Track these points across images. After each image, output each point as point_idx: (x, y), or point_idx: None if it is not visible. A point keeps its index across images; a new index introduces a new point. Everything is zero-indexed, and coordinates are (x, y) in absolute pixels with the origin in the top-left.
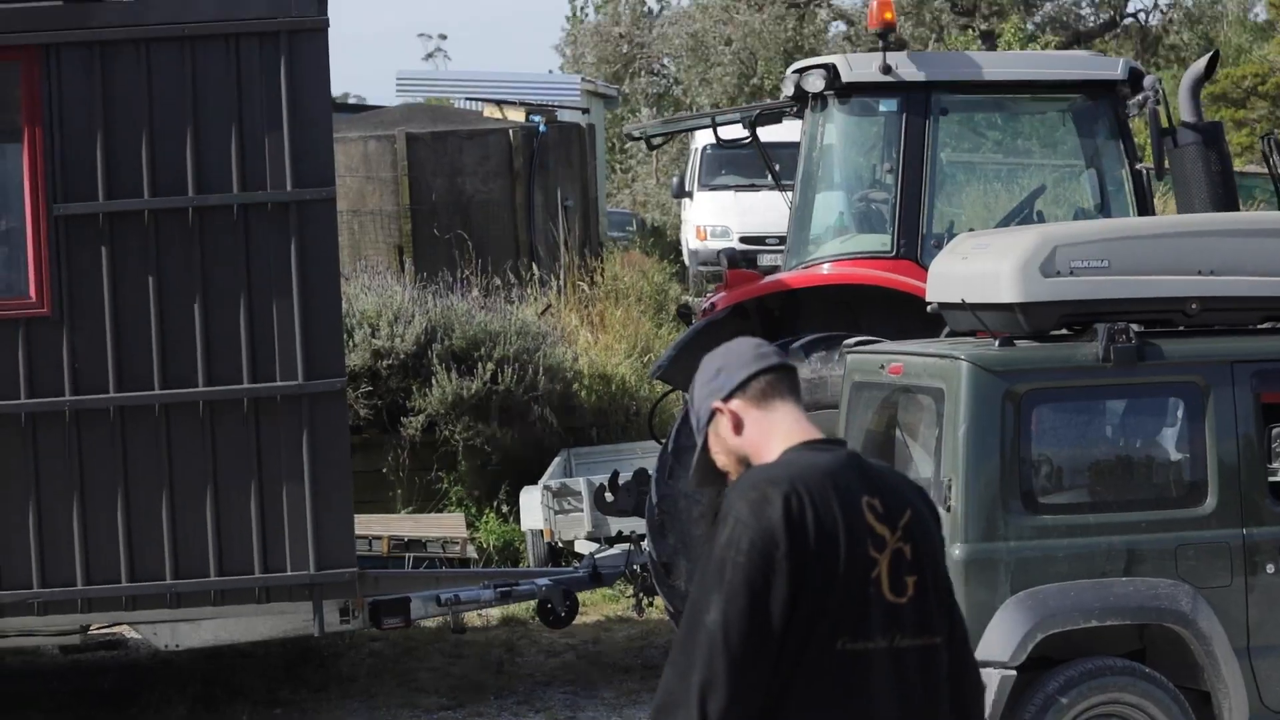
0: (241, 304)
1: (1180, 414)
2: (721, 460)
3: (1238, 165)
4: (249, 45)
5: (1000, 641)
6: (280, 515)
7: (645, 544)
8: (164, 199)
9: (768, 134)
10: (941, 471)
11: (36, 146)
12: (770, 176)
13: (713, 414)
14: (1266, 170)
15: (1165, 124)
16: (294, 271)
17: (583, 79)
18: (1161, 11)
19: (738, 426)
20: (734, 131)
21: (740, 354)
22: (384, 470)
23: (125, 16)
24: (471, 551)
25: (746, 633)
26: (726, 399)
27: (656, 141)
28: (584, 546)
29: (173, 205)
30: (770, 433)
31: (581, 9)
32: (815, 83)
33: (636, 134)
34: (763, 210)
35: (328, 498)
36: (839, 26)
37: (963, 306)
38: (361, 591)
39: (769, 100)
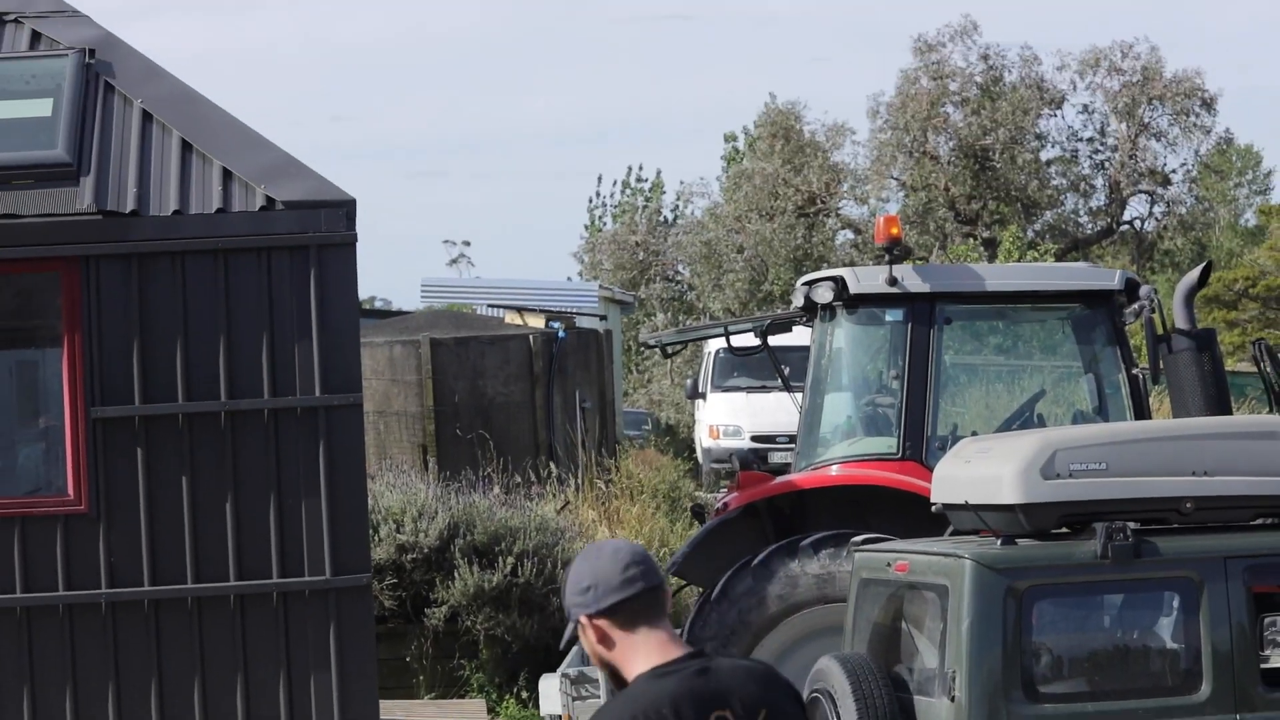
0: (271, 502)
1: (1176, 607)
2: (595, 661)
3: (1230, 364)
4: (280, 258)
5: None
6: (308, 703)
7: None
8: (197, 403)
9: (778, 339)
10: (946, 663)
11: (76, 352)
12: (780, 381)
13: (583, 623)
14: (1257, 372)
15: (1160, 331)
16: (322, 472)
17: (600, 286)
18: (1156, 219)
19: (603, 641)
20: (746, 339)
21: (610, 575)
22: (408, 658)
23: (161, 230)
24: None
25: None
26: (592, 616)
27: (671, 350)
28: None
29: (205, 409)
30: (633, 655)
31: (600, 218)
32: (824, 294)
33: (652, 343)
34: (773, 410)
35: (354, 685)
36: (847, 235)
37: (966, 507)
38: None
39: (779, 306)
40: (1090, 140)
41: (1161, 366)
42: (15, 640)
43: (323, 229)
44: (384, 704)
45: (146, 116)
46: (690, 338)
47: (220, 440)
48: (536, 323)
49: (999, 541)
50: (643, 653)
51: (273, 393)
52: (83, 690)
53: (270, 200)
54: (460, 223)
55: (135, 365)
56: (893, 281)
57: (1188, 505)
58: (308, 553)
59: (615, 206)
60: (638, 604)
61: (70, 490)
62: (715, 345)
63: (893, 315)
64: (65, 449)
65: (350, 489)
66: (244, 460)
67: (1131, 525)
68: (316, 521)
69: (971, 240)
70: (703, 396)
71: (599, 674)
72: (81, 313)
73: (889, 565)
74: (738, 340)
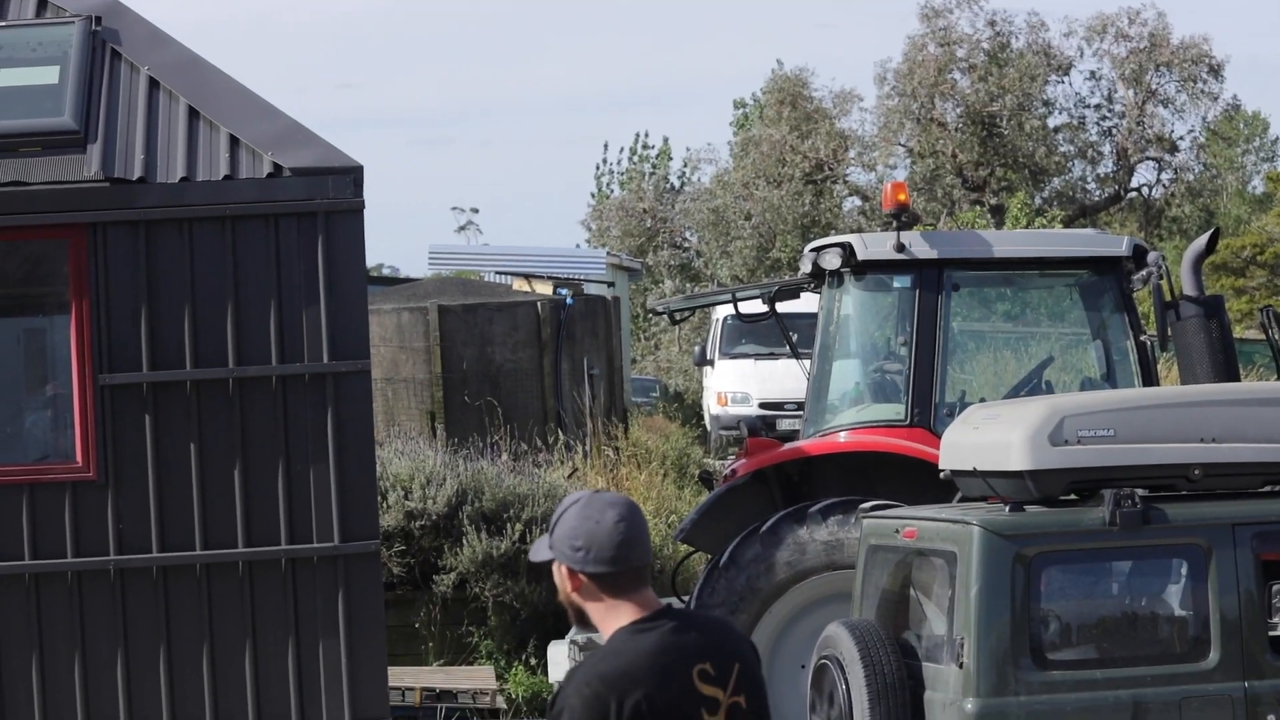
0: (280, 469)
1: (1184, 573)
2: (561, 594)
3: (1237, 332)
4: (288, 225)
5: None
6: (317, 668)
7: None
8: (205, 370)
9: (786, 306)
10: (954, 630)
11: (84, 319)
12: (788, 347)
13: (562, 565)
14: (1265, 339)
15: (1168, 297)
16: (330, 438)
17: (608, 253)
18: (1164, 186)
19: (578, 590)
20: (754, 306)
21: (604, 546)
22: (416, 625)
23: (169, 197)
24: (501, 702)
25: None
26: (579, 571)
27: (679, 317)
28: None
29: (213, 376)
30: (611, 612)
31: (607, 185)
32: (832, 261)
33: (660, 309)
34: (781, 377)
35: (363, 651)
36: (854, 201)
37: (974, 474)
38: None
39: (787, 273)
40: (1098, 107)
41: (1169, 333)
42: (24, 607)
43: (330, 195)
44: (393, 670)
45: (153, 83)
46: (698, 304)
47: (228, 407)
48: (544, 289)
49: (1007, 508)
50: (622, 611)
51: (281, 359)
52: (91, 657)
53: (278, 167)
54: (468, 190)
55: (143, 332)
56: (900, 248)
57: (1196, 472)
58: (316, 519)
59: (622, 174)
60: (622, 578)
61: (79, 457)
62: (723, 312)
63: (900, 281)
64: (73, 416)
65: (358, 455)
66: (252, 427)
67: (1140, 492)
68: (325, 488)
69: (979, 207)
70: (710, 363)
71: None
72: (89, 279)
73: (897, 532)
74: (746, 307)
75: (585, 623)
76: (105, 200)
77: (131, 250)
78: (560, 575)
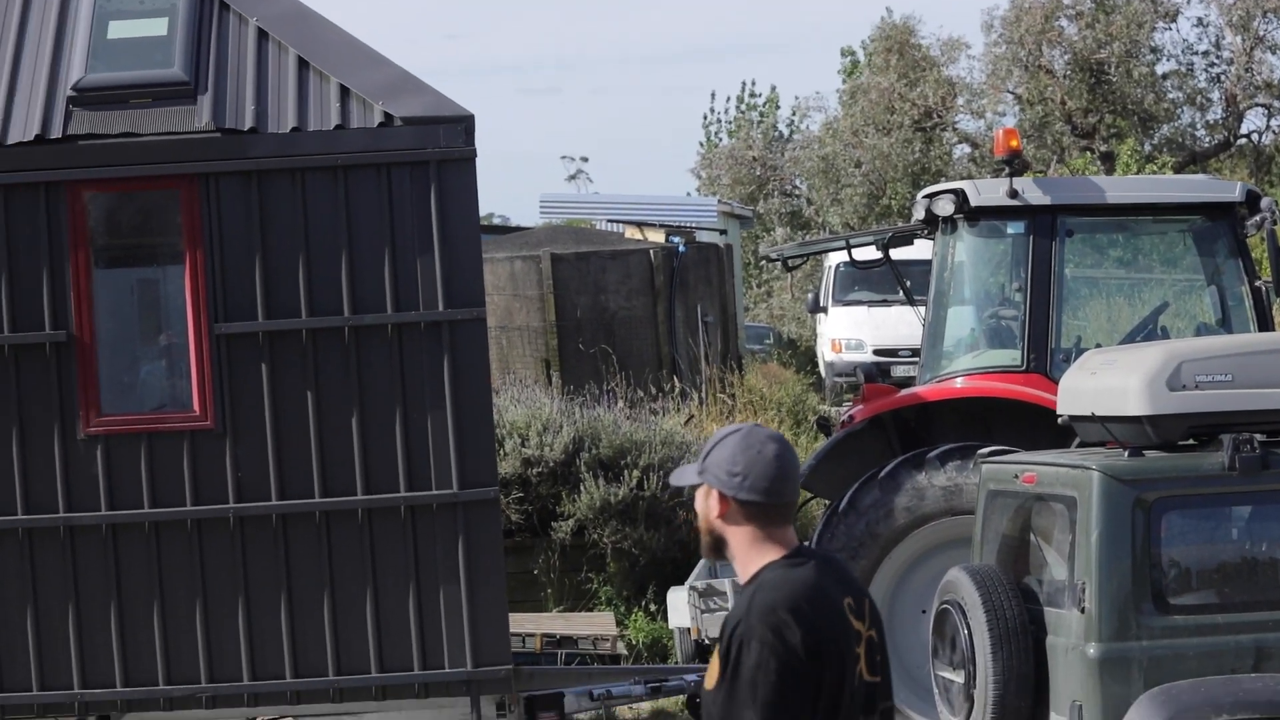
0: (397, 417)
1: None
2: (702, 520)
3: None
4: (400, 174)
5: None
6: (438, 615)
7: None
8: (320, 319)
9: (899, 253)
10: (1075, 575)
11: (198, 269)
12: (903, 294)
13: (714, 491)
14: None
15: None
16: (447, 386)
17: (719, 201)
18: (1274, 132)
19: (725, 515)
20: (867, 253)
21: (762, 476)
22: (535, 571)
23: (280, 147)
24: (621, 648)
25: None
26: (732, 497)
27: (793, 264)
28: None
29: (329, 325)
30: (756, 547)
31: (715, 134)
32: (945, 207)
33: (774, 256)
34: (895, 324)
35: (483, 599)
36: (963, 149)
37: (1092, 419)
38: (517, 687)
39: (898, 220)
40: (1205, 54)
41: None
42: (145, 556)
43: (442, 145)
44: (513, 617)
45: (262, 34)
46: (811, 251)
47: (345, 355)
48: (656, 237)
49: (1126, 453)
50: (768, 546)
51: (395, 308)
52: (212, 604)
53: (388, 117)
54: (577, 139)
55: (258, 281)
56: (1013, 194)
57: None
58: (435, 467)
59: (730, 122)
60: (773, 511)
61: (196, 406)
62: (836, 259)
63: (1014, 228)
64: (189, 365)
65: (475, 403)
66: (368, 375)
67: (1258, 437)
68: (442, 436)
69: (1089, 154)
70: (824, 310)
71: (725, 585)
72: (202, 230)
73: (1016, 477)
74: (860, 254)
75: (719, 553)
76: (217, 151)
77: (244, 200)
78: (707, 501)
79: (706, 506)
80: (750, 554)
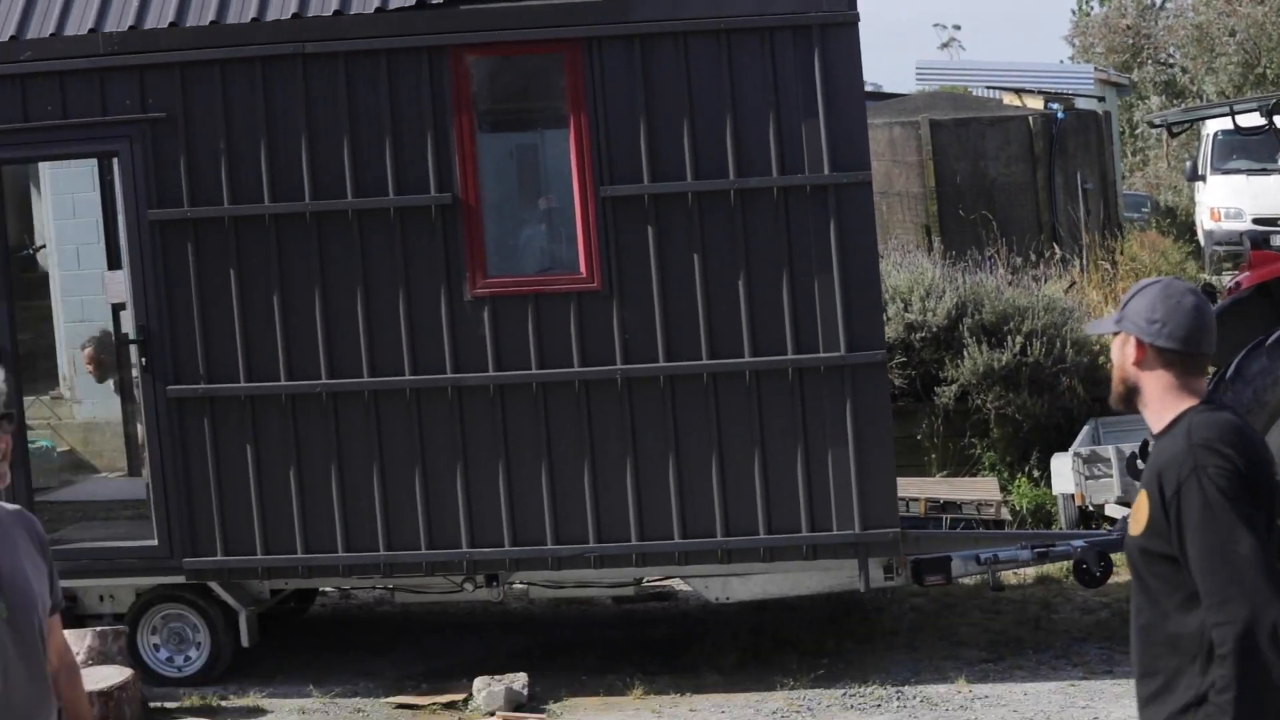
0: (784, 280)
1: None
2: (1117, 368)
3: None
4: (783, 38)
5: None
6: (825, 478)
7: None
8: (705, 182)
9: None
10: None
11: (582, 133)
12: None
13: (1132, 338)
14: None
15: None
16: (833, 250)
17: (1096, 69)
18: None
19: (1141, 363)
20: (1251, 120)
21: (1182, 325)
22: (919, 436)
23: (663, 11)
24: (1005, 514)
25: (1267, 553)
26: (1149, 343)
27: (1176, 130)
28: (1114, 511)
29: (714, 188)
30: (1171, 395)
31: (1087, 2)
32: None
33: (1158, 122)
34: (1275, 193)
35: (870, 462)
36: None
37: None
38: (904, 550)
39: (1273, 88)
40: None
41: None
42: (532, 415)
43: (824, 8)
44: (898, 481)
45: None
46: (1195, 117)
47: (730, 219)
48: (1034, 104)
49: None
50: (1184, 394)
51: (781, 171)
52: (600, 464)
53: None
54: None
55: (642, 145)
56: None
57: None
58: (822, 330)
59: None
60: (1190, 360)
61: (582, 268)
62: (1214, 127)
63: None
64: (575, 228)
65: (862, 266)
66: (755, 238)
67: None
68: (830, 299)
69: None
70: (1202, 179)
71: (1109, 451)
72: (586, 94)
73: None
74: (1243, 120)
75: (1130, 403)
76: (601, 15)
77: (627, 64)
78: (1124, 349)
79: (1123, 354)
80: (1165, 401)
